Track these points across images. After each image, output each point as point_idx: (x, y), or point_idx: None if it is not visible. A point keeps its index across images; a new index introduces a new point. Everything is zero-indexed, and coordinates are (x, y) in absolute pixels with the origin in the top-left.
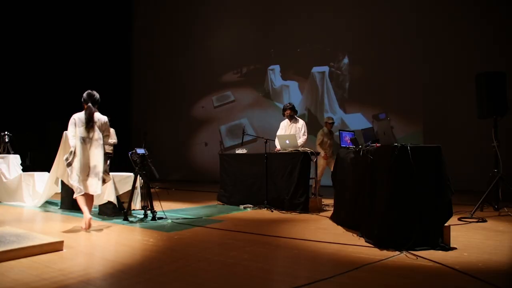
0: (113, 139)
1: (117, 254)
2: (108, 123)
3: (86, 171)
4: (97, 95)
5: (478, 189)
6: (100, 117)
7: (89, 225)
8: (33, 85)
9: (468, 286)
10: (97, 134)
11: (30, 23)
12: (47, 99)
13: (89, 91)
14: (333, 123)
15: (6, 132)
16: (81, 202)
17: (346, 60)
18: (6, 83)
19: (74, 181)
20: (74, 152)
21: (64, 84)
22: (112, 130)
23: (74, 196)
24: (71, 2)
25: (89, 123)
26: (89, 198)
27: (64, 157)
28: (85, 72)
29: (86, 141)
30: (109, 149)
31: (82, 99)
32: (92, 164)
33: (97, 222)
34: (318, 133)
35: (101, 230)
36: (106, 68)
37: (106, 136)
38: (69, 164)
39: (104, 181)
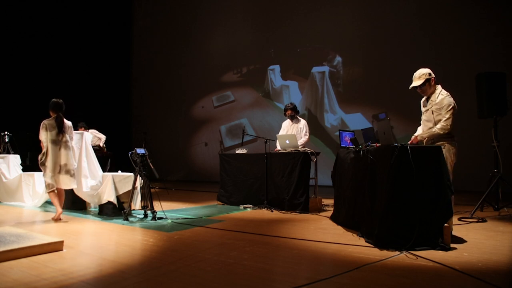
0: (101, 139)
1: (117, 254)
2: (72, 127)
3: (57, 169)
4: (62, 103)
5: (478, 189)
6: (67, 123)
7: (59, 219)
8: (33, 85)
9: (468, 286)
10: (65, 137)
11: (30, 23)
12: (47, 99)
13: (55, 100)
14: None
15: (6, 132)
16: (53, 198)
17: (346, 60)
18: (6, 83)
19: (47, 178)
20: (46, 153)
21: (64, 84)
22: (94, 130)
23: (46, 191)
24: (71, 2)
25: (61, 129)
26: (60, 193)
27: (38, 157)
28: (85, 73)
29: (56, 143)
30: (98, 142)
31: (50, 108)
32: (62, 162)
33: (97, 222)
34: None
35: (101, 230)
36: (106, 68)
37: (71, 138)
38: (42, 164)
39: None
